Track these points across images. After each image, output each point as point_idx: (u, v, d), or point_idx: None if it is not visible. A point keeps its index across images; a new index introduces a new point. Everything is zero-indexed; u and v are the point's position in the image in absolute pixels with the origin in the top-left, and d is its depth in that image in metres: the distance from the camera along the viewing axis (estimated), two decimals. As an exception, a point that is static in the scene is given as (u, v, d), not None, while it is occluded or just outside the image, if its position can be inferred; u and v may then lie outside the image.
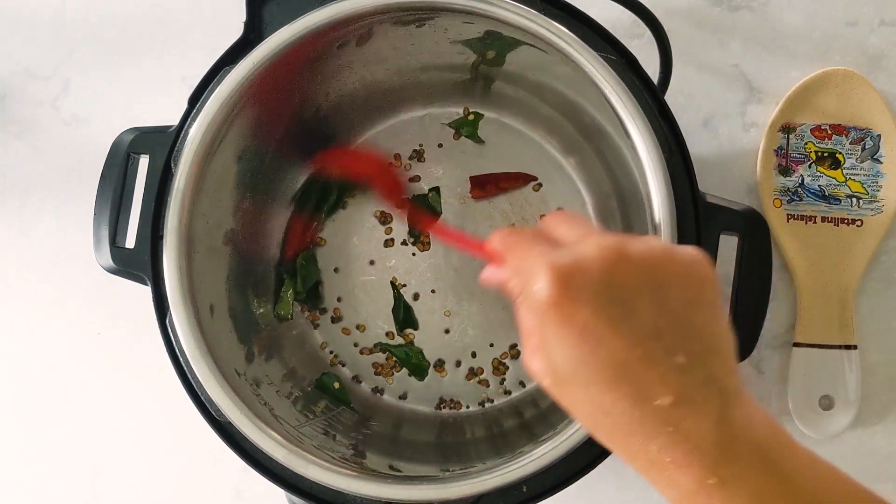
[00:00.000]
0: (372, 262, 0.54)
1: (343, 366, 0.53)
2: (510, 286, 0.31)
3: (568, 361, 0.27)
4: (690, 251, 0.29)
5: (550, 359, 0.28)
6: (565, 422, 0.39)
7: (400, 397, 0.53)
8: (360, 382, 0.53)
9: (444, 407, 0.53)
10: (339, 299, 0.54)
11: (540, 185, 0.53)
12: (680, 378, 0.27)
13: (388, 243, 0.54)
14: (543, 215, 0.53)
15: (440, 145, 0.54)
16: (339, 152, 0.53)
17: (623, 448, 0.28)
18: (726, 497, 0.27)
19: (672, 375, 0.27)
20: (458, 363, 0.53)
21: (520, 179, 0.53)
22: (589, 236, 0.29)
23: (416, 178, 0.54)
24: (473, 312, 0.53)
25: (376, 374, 0.53)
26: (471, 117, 0.54)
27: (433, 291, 0.53)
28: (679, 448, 0.27)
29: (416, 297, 0.54)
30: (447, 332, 0.53)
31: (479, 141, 0.54)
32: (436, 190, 0.54)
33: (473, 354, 0.53)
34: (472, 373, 0.53)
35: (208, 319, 0.41)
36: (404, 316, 0.53)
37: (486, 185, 0.53)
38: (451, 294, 0.53)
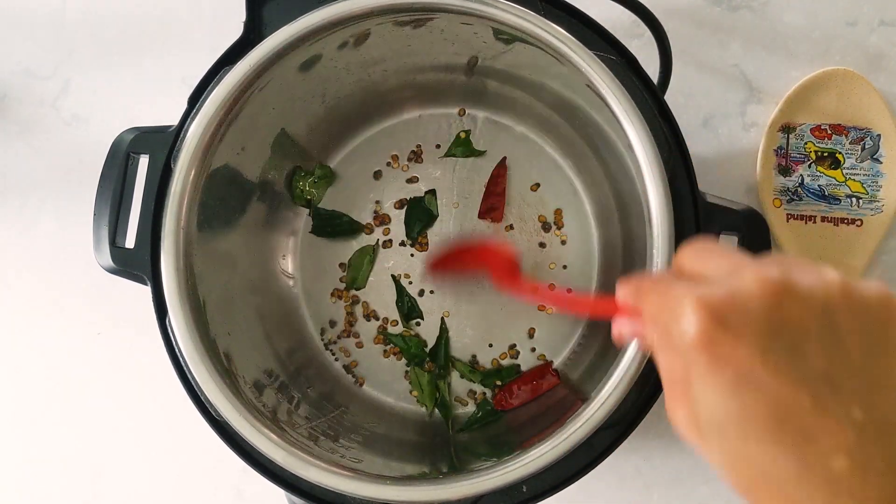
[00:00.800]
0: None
1: (347, 370, 0.54)
2: (648, 335, 0.27)
3: (719, 411, 0.23)
4: (874, 287, 0.25)
5: (697, 408, 0.24)
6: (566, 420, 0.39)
7: (398, 398, 0.53)
8: (362, 385, 0.53)
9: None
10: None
11: (538, 184, 0.53)
12: (857, 437, 0.22)
13: (387, 244, 0.54)
14: (541, 215, 0.53)
15: (438, 146, 0.54)
16: (450, 256, 0.47)
17: None
18: None
19: (848, 433, 0.22)
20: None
21: (501, 172, 0.53)
22: (744, 267, 0.25)
23: (415, 179, 0.54)
24: (472, 313, 0.53)
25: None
26: (462, 135, 0.54)
27: (432, 292, 0.53)
28: None
29: (417, 299, 0.54)
30: (447, 334, 0.53)
31: (479, 153, 0.54)
32: (432, 192, 0.54)
33: (473, 355, 0.53)
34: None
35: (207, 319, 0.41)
36: (409, 308, 0.53)
37: (493, 205, 0.53)
38: (449, 295, 0.53)
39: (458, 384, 0.53)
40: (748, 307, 0.23)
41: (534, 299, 0.41)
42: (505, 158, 0.53)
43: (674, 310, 0.24)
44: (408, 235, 0.54)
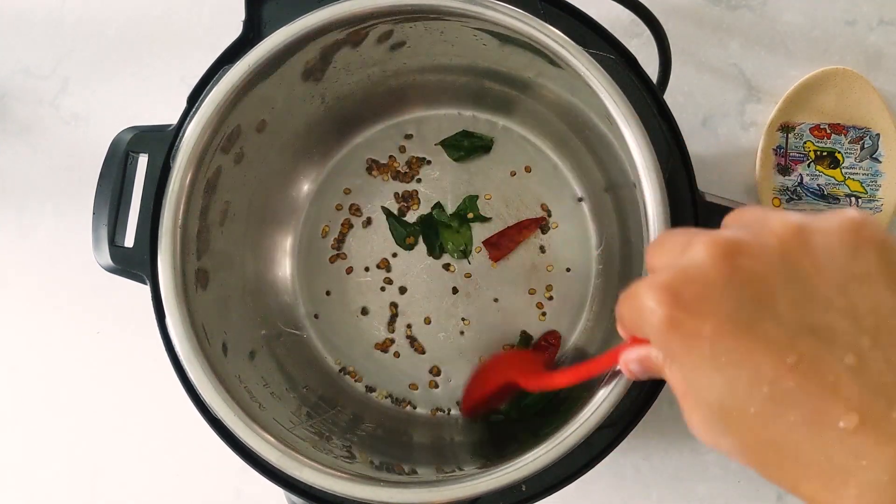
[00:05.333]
0: (366, 269, 0.54)
1: (343, 370, 0.54)
2: (646, 352, 0.25)
3: (713, 392, 0.22)
4: (833, 217, 0.22)
5: (700, 400, 0.22)
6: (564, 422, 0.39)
7: (395, 400, 0.53)
8: (360, 384, 0.53)
9: (440, 411, 0.53)
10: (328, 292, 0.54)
11: (537, 186, 0.53)
12: (858, 385, 0.20)
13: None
14: (541, 216, 0.53)
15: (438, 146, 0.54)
16: (477, 385, 0.48)
17: (817, 497, 0.21)
18: None
19: (848, 383, 0.20)
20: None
21: (531, 226, 0.53)
22: (692, 241, 0.23)
23: (417, 180, 0.54)
24: (470, 316, 0.53)
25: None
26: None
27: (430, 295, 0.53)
28: (886, 491, 0.19)
29: (412, 298, 0.54)
30: (442, 335, 0.53)
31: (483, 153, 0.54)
32: (438, 206, 0.54)
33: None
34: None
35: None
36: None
37: (500, 245, 0.53)
38: (447, 298, 0.53)
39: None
40: (703, 278, 0.22)
41: (562, 384, 0.40)
42: (545, 216, 0.53)
43: (639, 308, 0.23)
44: (429, 253, 0.53)
